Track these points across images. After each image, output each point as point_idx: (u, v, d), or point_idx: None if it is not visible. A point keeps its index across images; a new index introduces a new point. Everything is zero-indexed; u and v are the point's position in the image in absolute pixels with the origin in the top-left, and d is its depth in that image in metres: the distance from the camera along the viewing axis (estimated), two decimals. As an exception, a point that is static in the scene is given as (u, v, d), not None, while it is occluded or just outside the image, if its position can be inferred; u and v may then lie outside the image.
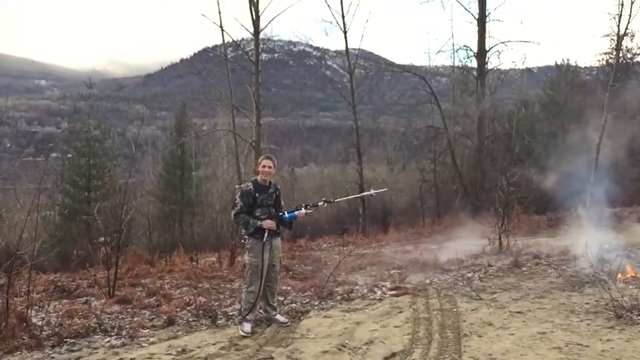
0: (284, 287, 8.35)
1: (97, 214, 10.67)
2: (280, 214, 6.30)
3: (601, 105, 20.15)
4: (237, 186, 6.64)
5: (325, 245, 16.71)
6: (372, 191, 7.56)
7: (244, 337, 5.89)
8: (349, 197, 6.70)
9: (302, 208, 6.38)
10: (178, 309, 7.20)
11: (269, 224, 6.14)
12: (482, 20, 21.98)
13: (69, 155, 24.81)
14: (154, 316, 7.04)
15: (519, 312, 6.57)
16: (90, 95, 24.85)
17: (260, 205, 6.20)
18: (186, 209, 25.85)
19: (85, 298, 8.32)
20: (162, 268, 11.56)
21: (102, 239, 12.17)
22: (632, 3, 20.05)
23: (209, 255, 14.61)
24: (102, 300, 7.97)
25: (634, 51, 26.02)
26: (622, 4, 20.33)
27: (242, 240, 6.45)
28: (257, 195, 6.17)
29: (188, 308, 7.23)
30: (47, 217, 21.59)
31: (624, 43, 23.54)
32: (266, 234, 6.15)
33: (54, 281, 9.63)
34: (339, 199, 6.82)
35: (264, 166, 6.28)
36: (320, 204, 6.50)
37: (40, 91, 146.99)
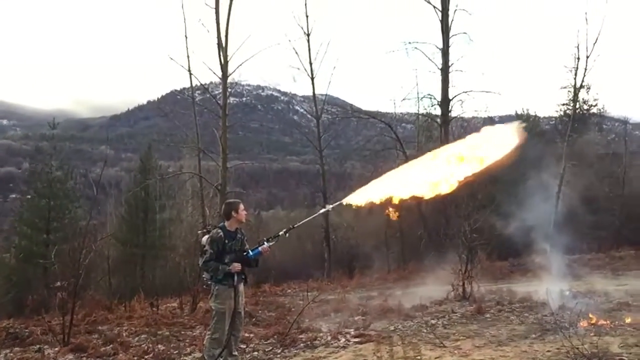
0: (246, 335, 8.19)
1: (54, 258, 10.38)
2: (245, 253, 6.24)
3: (560, 154, 20.79)
4: (199, 231, 6.55)
5: (290, 290, 16.55)
6: (329, 206, 7.48)
7: (205, 386, 5.72)
8: (308, 218, 6.62)
9: (265, 242, 6.30)
10: (135, 358, 6.98)
11: (235, 267, 6.08)
12: (445, 70, 22.61)
13: (29, 197, 24.18)
14: (109, 365, 6.81)
15: (482, 360, 6.56)
16: (54, 136, 24.46)
17: (230, 252, 6.15)
18: (149, 252, 25.27)
19: (38, 346, 8.02)
20: (121, 314, 11.25)
21: (58, 283, 11.82)
22: (587, 57, 21.03)
23: (170, 300, 14.29)
24: (56, 348, 7.69)
25: (590, 103, 27.03)
26: (578, 58, 21.30)
27: (204, 286, 6.36)
28: (226, 242, 6.13)
29: (146, 357, 7.03)
30: (3, 260, 20.87)
31: (580, 95, 24.49)
32: (236, 278, 6.08)
33: (6, 327, 9.26)
34: (298, 224, 6.71)
35: (243, 209, 6.29)
36: (281, 233, 6.39)
37: (1, 131, 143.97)
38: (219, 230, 6.15)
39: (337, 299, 12.83)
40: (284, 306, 12.25)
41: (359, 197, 6.62)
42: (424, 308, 10.57)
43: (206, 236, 6.21)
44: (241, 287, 6.30)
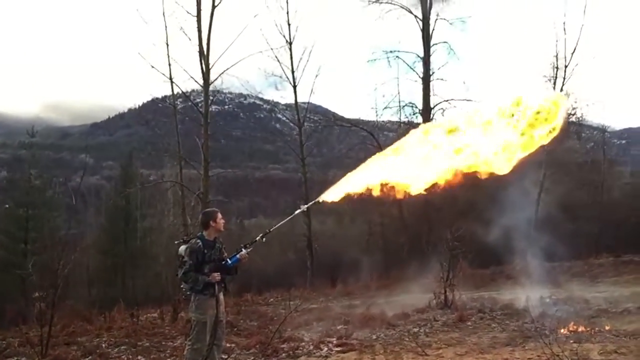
0: (228, 345, 8.13)
1: (32, 268, 10.23)
2: (223, 262, 6.17)
3: (540, 162, 21.01)
4: (176, 242, 6.44)
5: (272, 299, 16.48)
6: (304, 207, 7.41)
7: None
8: (283, 221, 6.48)
9: (242, 249, 6.19)
10: (115, 370, 6.89)
11: (215, 277, 6.02)
12: (426, 79, 22.82)
13: (7, 206, 23.84)
14: (88, 378, 6.71)
15: (463, 369, 6.58)
16: (32, 144, 24.18)
17: (209, 261, 6.08)
18: (129, 261, 25.03)
19: (16, 358, 7.89)
20: (100, 325, 11.11)
21: (37, 294, 11.64)
22: (565, 67, 21.34)
23: (151, 310, 14.15)
24: (34, 361, 7.56)
25: (568, 111, 27.34)
26: (557, 68, 21.59)
27: (183, 297, 6.27)
28: (205, 252, 6.06)
29: (125, 368, 6.93)
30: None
31: (559, 104, 24.71)
32: (216, 287, 6.02)
33: (-18, 340, 9.09)
34: (274, 227, 6.62)
35: (221, 218, 6.23)
36: (257, 239, 6.29)
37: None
38: (198, 241, 6.08)
39: (320, 307, 12.82)
40: (266, 315, 12.18)
41: (334, 193, 6.41)
42: (406, 316, 10.60)
43: (183, 246, 6.13)
44: (221, 296, 6.23)
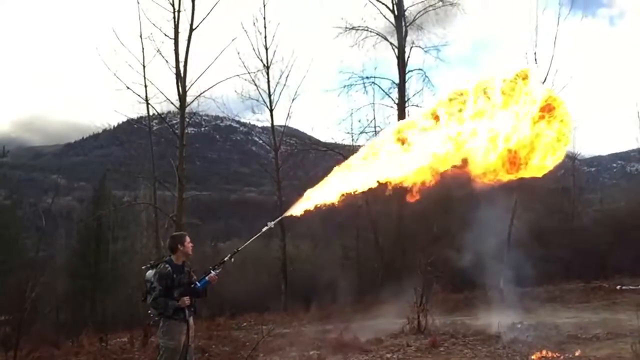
0: (198, 370, 8.01)
1: (-2, 291, 10.02)
2: (192, 285, 6.10)
3: (511, 188, 21.33)
4: (143, 267, 6.33)
5: (245, 323, 16.31)
6: (270, 223, 7.37)
7: None
8: (250, 239, 6.43)
9: (211, 271, 6.14)
10: (81, 396, 6.72)
11: (185, 301, 5.95)
12: (401, 105, 23.08)
13: (-26, 226, 23.31)
14: (53, 404, 6.53)
15: (435, 394, 6.58)
16: (3, 164, 23.81)
17: (178, 286, 6.00)
18: (99, 284, 24.55)
19: (-23, 385, 7.63)
20: (68, 350, 10.89)
21: (3, 317, 11.38)
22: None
23: (121, 335, 13.88)
24: (-3, 387, 7.34)
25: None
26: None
27: (151, 322, 6.17)
28: (175, 276, 5.98)
29: (93, 395, 6.76)
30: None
31: (530, 131, 25.19)
32: (187, 312, 5.95)
33: (-57, 365, 8.80)
34: (241, 247, 6.58)
35: (189, 242, 6.17)
36: (226, 259, 6.27)
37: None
38: (167, 265, 5.98)
39: (293, 332, 12.73)
40: (239, 340, 12.05)
41: (303, 205, 6.43)
42: (380, 342, 10.56)
43: (150, 271, 6.02)
44: (191, 320, 6.15)
